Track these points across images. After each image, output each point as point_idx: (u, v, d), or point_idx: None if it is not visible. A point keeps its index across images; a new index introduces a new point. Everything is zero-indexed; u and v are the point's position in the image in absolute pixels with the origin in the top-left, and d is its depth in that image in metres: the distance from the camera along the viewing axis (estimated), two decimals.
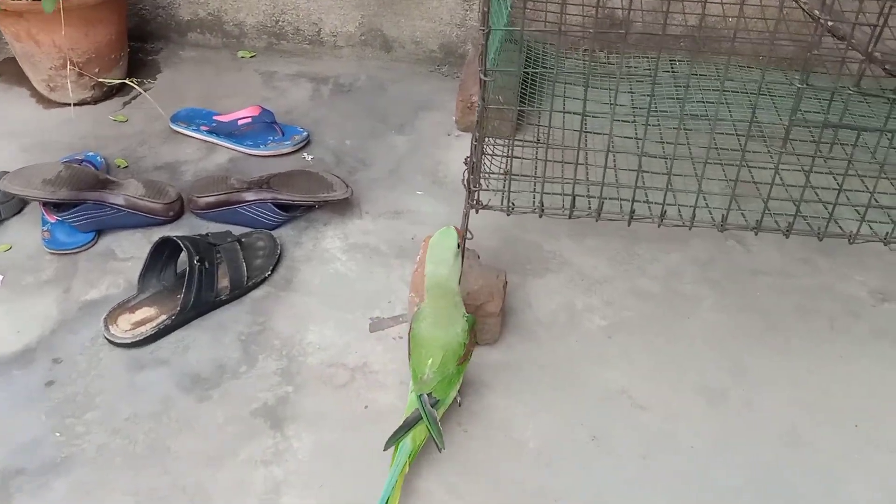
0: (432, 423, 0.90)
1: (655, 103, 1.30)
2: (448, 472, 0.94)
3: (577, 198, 0.98)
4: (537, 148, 1.06)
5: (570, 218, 0.95)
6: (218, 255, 1.16)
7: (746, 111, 1.26)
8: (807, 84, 0.81)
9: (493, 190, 0.95)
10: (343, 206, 1.35)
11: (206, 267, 1.12)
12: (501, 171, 0.94)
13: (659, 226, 0.95)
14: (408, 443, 0.90)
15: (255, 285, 1.18)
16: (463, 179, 0.99)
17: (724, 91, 1.31)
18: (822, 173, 1.06)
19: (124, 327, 1.09)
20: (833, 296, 1.22)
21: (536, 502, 0.91)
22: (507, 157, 0.97)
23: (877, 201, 0.99)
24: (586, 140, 0.95)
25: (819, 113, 1.24)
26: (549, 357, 1.09)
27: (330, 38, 1.80)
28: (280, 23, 1.79)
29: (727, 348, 1.12)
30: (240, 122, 1.48)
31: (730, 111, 1.28)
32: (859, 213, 0.96)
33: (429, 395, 0.91)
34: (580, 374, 1.07)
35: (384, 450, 0.91)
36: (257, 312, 1.15)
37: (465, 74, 1.62)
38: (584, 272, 1.24)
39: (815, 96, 1.30)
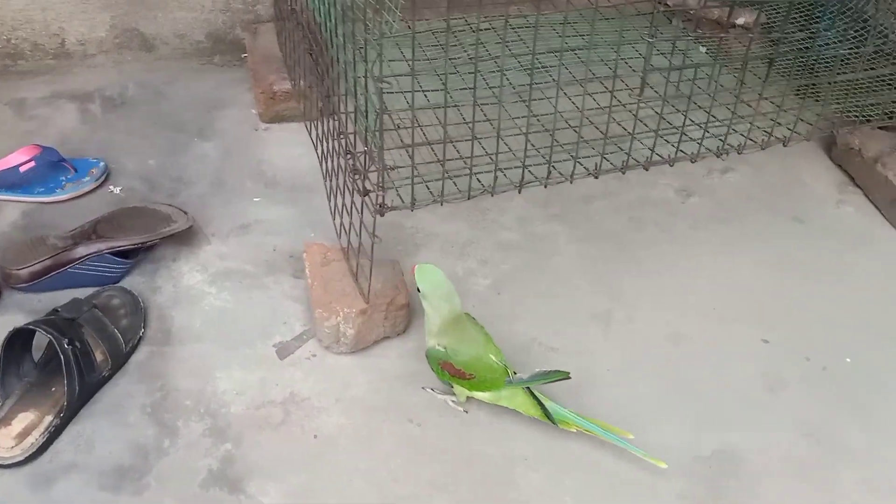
0: (542, 376, 0.99)
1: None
2: (428, 465, 0.96)
3: (458, 178, 1.01)
4: (402, 135, 1.07)
5: (468, 199, 0.99)
6: (81, 330, 1.02)
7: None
8: (654, 37, 0.92)
9: (382, 189, 0.94)
10: (185, 236, 1.24)
11: (79, 346, 0.99)
12: (390, 166, 0.94)
13: (545, 186, 1.03)
14: (554, 406, 1.00)
15: (133, 349, 1.07)
16: (350, 185, 0.97)
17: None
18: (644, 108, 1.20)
19: (7, 444, 0.93)
20: (651, 203, 1.41)
21: (507, 444, 0.99)
22: (408, 148, 0.98)
23: (673, 126, 1.15)
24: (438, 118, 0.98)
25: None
26: None
27: (78, 48, 1.59)
28: (13, 40, 1.54)
29: (594, 274, 1.25)
30: (22, 169, 1.28)
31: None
32: (669, 142, 1.12)
33: (513, 373, 1.01)
34: (491, 335, 1.14)
35: (559, 427, 0.98)
36: (150, 377, 1.05)
37: (253, 63, 1.53)
38: (450, 239, 1.29)
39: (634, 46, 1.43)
